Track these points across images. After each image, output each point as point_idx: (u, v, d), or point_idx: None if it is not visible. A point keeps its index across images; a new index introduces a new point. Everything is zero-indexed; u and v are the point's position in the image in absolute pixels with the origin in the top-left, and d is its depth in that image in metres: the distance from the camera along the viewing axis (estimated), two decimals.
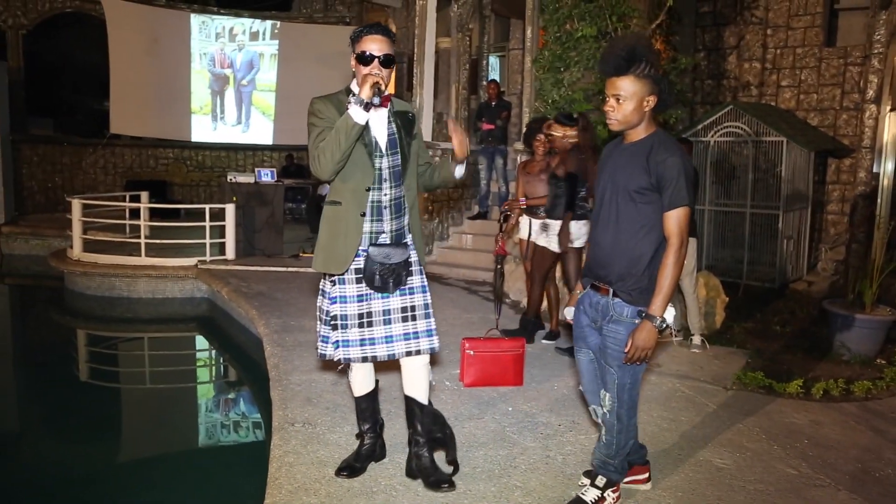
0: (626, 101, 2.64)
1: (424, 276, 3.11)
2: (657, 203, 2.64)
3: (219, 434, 5.42)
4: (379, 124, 2.94)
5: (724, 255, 8.39)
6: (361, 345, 2.97)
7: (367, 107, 2.73)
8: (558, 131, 5.21)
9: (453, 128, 2.96)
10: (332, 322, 2.98)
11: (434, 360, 3.26)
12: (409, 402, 3.13)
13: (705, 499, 3.09)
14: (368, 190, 2.91)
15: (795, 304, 7.17)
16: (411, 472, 3.16)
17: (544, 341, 5.54)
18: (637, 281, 2.69)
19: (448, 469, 3.17)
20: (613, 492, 2.94)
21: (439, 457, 3.21)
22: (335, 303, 2.96)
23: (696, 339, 5.52)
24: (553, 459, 3.44)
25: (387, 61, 2.83)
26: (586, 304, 2.89)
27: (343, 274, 2.95)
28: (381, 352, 2.99)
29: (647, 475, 3.16)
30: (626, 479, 3.12)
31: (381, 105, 2.87)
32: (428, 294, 3.08)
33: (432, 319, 3.07)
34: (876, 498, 3.17)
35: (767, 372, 4.87)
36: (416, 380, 3.10)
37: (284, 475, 3.18)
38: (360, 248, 2.95)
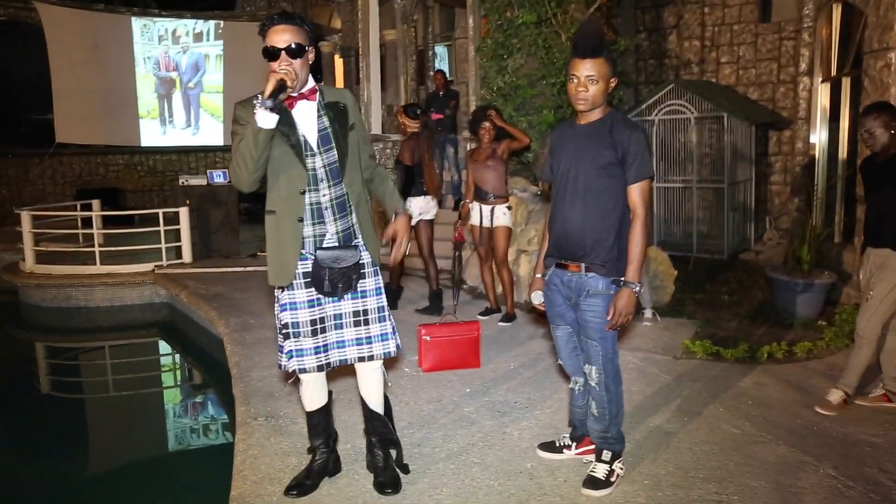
0: (598, 82, 2.78)
1: (380, 276, 2.95)
2: (621, 177, 2.80)
3: (185, 435, 5.45)
4: (307, 120, 2.74)
5: (674, 231, 8.63)
6: (316, 353, 2.83)
7: (274, 108, 2.53)
8: (405, 120, 5.96)
9: (396, 240, 2.88)
10: (285, 331, 2.82)
11: None
12: (363, 404, 3.08)
13: (654, 462, 3.24)
14: (303, 193, 2.73)
15: (743, 274, 7.41)
16: (368, 465, 3.15)
17: (500, 324, 5.67)
18: (608, 252, 2.82)
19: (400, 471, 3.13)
20: (620, 463, 3.05)
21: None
22: (285, 310, 2.81)
23: (647, 313, 5.71)
24: (509, 435, 3.57)
25: (295, 51, 2.59)
26: (557, 283, 2.99)
27: (295, 278, 2.80)
28: (334, 357, 2.87)
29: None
30: (579, 451, 3.26)
31: (306, 98, 2.71)
32: (383, 296, 2.92)
33: (387, 322, 2.92)
34: (812, 449, 3.36)
35: (715, 340, 5.08)
36: (368, 383, 3.01)
37: (249, 467, 3.25)
38: (306, 251, 2.79)
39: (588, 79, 2.78)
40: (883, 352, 3.92)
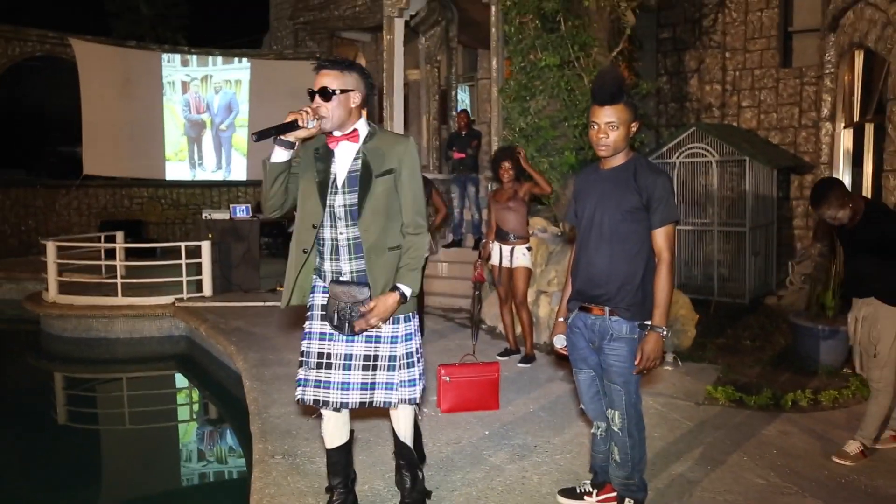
0: (619, 128, 2.80)
1: (400, 327, 2.89)
2: (645, 221, 2.81)
3: (201, 470, 5.43)
4: (344, 160, 2.83)
5: (695, 274, 8.57)
6: (316, 386, 2.84)
7: (285, 144, 2.69)
8: None
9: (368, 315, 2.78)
10: (300, 359, 2.89)
11: None
12: (394, 433, 3.11)
13: None
14: (315, 227, 2.82)
15: (765, 319, 7.33)
16: (397, 484, 3.19)
17: (520, 365, 5.63)
18: (633, 296, 2.82)
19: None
20: None
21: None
22: (304, 338, 2.91)
23: (669, 357, 5.64)
24: (529, 480, 3.52)
25: (324, 94, 2.71)
26: (581, 326, 2.98)
27: (311, 310, 2.90)
28: (335, 398, 2.84)
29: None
30: (601, 498, 3.21)
31: (348, 139, 2.80)
32: (398, 346, 2.88)
33: (396, 373, 2.88)
34: (840, 502, 3.28)
35: (738, 386, 5.01)
36: (397, 422, 3.06)
37: None
38: (324, 285, 2.87)
39: (608, 125, 2.80)
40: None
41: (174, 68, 15.72)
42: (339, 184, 2.82)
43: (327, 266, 2.85)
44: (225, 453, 5.78)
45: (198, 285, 9.08)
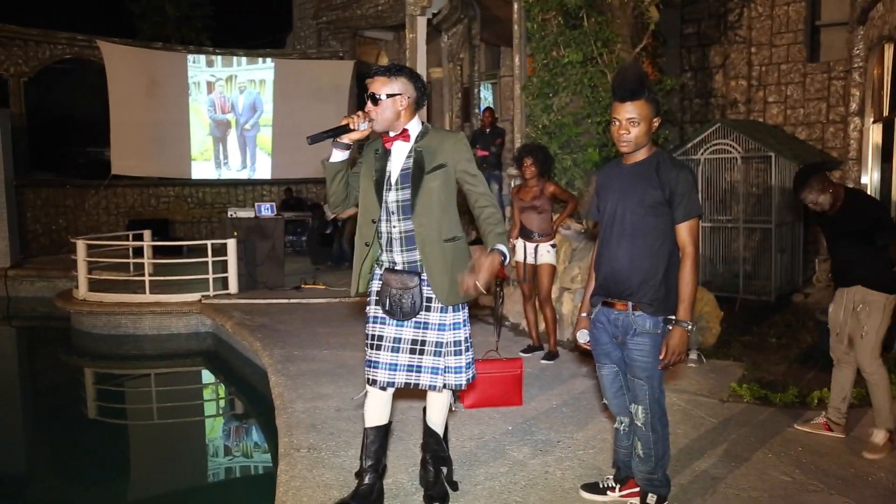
0: (640, 123, 2.81)
1: (448, 315, 3.02)
2: (668, 216, 2.82)
3: (227, 464, 5.51)
4: (398, 159, 3.01)
5: (720, 271, 8.49)
6: (368, 366, 3.03)
7: (340, 145, 2.94)
8: None
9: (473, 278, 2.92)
10: (366, 341, 3.10)
11: None
12: (424, 423, 3.24)
13: None
14: (374, 222, 3.02)
15: (792, 317, 7.25)
16: (421, 480, 3.30)
17: (543, 361, 5.64)
18: (656, 291, 2.83)
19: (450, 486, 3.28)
20: None
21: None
22: (366, 322, 3.10)
23: (693, 354, 5.62)
24: (552, 475, 3.53)
25: (372, 98, 2.93)
26: (604, 321, 3.00)
27: (370, 294, 3.09)
28: (382, 377, 3.00)
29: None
30: (623, 493, 3.22)
31: (401, 139, 2.97)
32: (445, 333, 3.01)
33: (442, 359, 3.01)
34: (868, 501, 3.25)
35: (763, 383, 4.97)
36: (432, 405, 3.20)
37: (291, 498, 3.27)
38: (380, 272, 3.07)
39: (630, 121, 2.81)
40: (834, 381, 4.13)
41: (199, 69, 15.92)
42: (393, 181, 2.99)
43: (384, 257, 3.06)
44: (251, 447, 5.87)
45: (224, 283, 9.20)
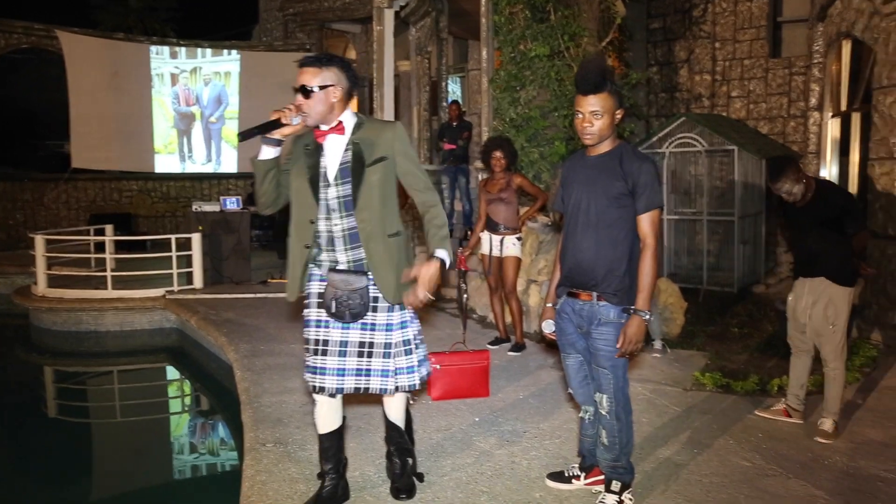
0: (603, 116, 2.82)
1: (395, 314, 2.95)
2: (631, 207, 2.84)
3: (193, 460, 5.45)
4: (333, 153, 2.86)
5: (684, 263, 8.62)
6: (313, 372, 2.90)
7: (271, 142, 2.78)
8: None
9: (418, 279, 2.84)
10: (305, 346, 2.97)
11: None
12: (385, 417, 3.19)
13: (663, 494, 3.22)
14: (312, 222, 2.86)
15: (753, 307, 7.39)
16: (388, 472, 3.27)
17: (510, 353, 5.67)
18: (620, 281, 2.86)
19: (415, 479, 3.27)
20: (629, 493, 3.04)
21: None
22: (304, 326, 2.97)
23: (657, 344, 5.69)
24: (518, 465, 3.55)
25: (304, 91, 2.76)
26: (569, 311, 3.02)
27: (308, 297, 2.94)
28: (330, 383, 2.89)
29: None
30: (588, 481, 3.25)
31: (335, 132, 2.83)
32: (393, 333, 2.94)
33: (392, 360, 2.94)
34: (824, 483, 3.33)
35: (725, 372, 5.06)
36: (388, 405, 3.15)
37: (257, 493, 3.24)
38: (321, 273, 2.92)
39: (592, 114, 2.83)
40: (792, 369, 4.25)
41: (163, 60, 15.65)
42: (332, 177, 2.85)
43: (324, 256, 2.91)
44: (217, 443, 5.81)
45: (188, 277, 9.08)
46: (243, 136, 2.75)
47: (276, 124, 2.73)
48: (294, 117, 2.74)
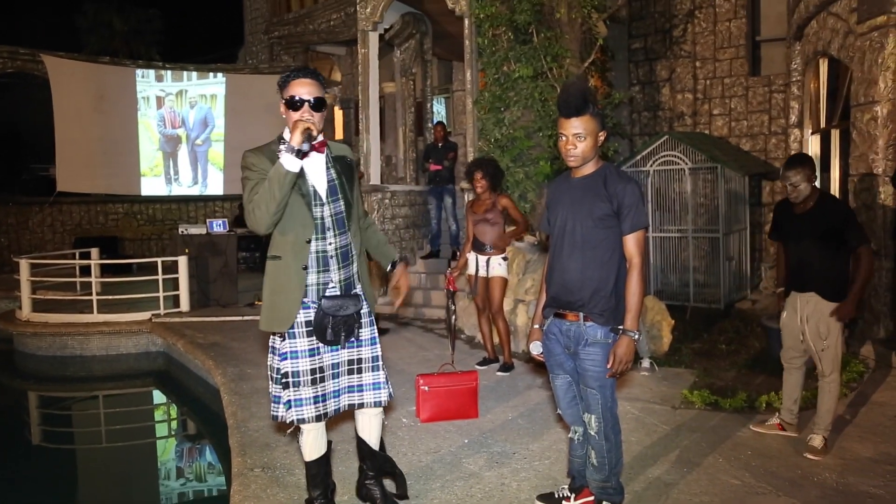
0: (586, 138, 2.85)
1: (375, 326, 3.04)
2: (616, 228, 2.87)
3: (181, 486, 5.38)
4: (317, 171, 2.84)
5: (670, 280, 8.67)
6: (315, 402, 2.83)
7: (300, 154, 2.64)
8: None
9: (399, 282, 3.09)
10: (284, 380, 2.81)
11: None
12: (361, 443, 3.16)
13: None
14: (309, 242, 2.80)
15: (740, 323, 7.42)
16: (362, 496, 3.23)
17: (498, 373, 5.66)
18: (606, 301, 2.87)
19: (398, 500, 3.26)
20: None
21: (390, 485, 3.31)
22: (285, 359, 2.81)
23: (645, 363, 5.71)
24: (508, 486, 3.54)
25: (317, 105, 2.74)
26: (556, 332, 3.03)
27: (293, 328, 2.82)
28: (332, 406, 2.91)
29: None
30: (578, 502, 3.23)
31: (316, 150, 2.82)
32: (377, 346, 3.01)
33: (381, 372, 2.99)
34: (813, 500, 3.34)
35: (713, 389, 5.07)
36: (368, 427, 3.12)
37: None
38: (309, 300, 2.83)
39: (576, 136, 2.86)
40: (785, 384, 4.28)
41: (148, 84, 15.65)
42: (323, 195, 2.84)
43: (312, 279, 2.83)
44: (204, 468, 5.74)
45: (175, 301, 9.02)
46: (302, 153, 2.67)
47: (311, 136, 2.70)
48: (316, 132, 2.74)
